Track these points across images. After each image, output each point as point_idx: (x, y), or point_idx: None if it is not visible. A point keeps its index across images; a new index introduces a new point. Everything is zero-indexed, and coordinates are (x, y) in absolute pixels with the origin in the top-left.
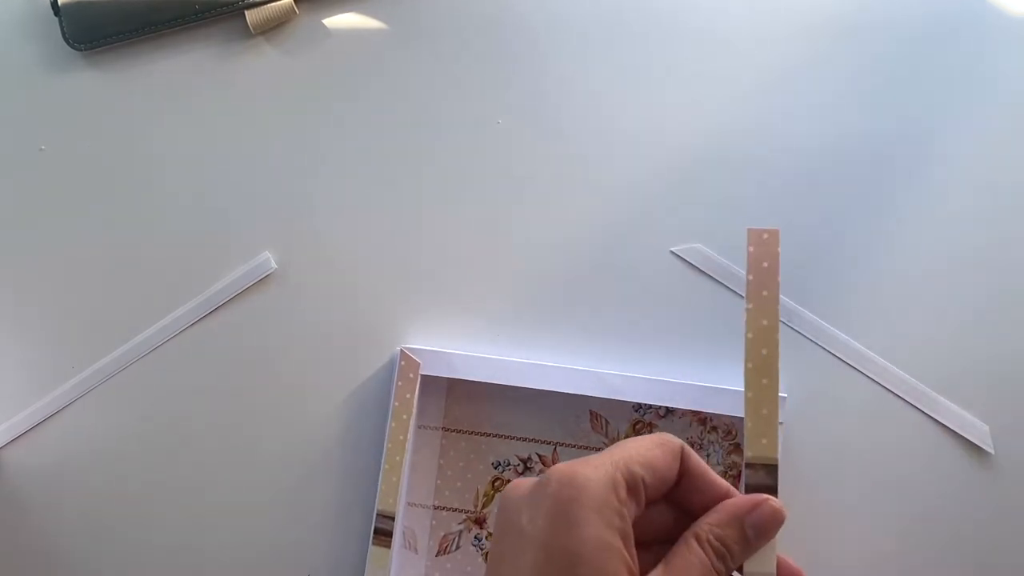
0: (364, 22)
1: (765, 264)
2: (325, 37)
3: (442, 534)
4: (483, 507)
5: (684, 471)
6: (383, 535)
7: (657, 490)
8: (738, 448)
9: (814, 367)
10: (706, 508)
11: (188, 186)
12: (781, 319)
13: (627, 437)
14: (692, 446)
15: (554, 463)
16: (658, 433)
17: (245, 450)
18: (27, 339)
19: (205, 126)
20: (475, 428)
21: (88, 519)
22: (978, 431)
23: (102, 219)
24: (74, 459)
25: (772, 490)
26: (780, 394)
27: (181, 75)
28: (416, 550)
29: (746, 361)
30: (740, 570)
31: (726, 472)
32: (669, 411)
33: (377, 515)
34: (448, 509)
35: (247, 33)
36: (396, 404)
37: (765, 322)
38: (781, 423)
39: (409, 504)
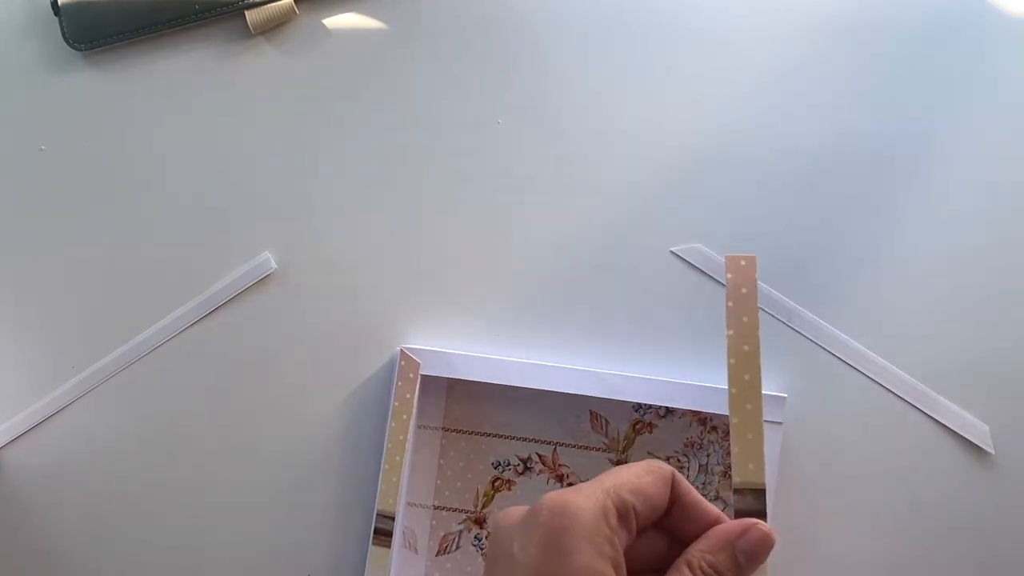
0: (364, 22)
1: (744, 290)
2: (325, 37)
3: (442, 534)
4: (483, 507)
5: (675, 498)
6: (383, 535)
7: (648, 518)
8: None
9: (814, 367)
10: (697, 535)
11: (188, 186)
12: (781, 319)
13: (627, 437)
14: (692, 446)
15: (554, 463)
16: (648, 460)
17: (245, 450)
18: (27, 339)
19: (205, 126)
20: (475, 428)
21: (88, 519)
22: (978, 431)
23: (102, 219)
24: (74, 459)
25: (761, 514)
26: (780, 394)
27: (181, 75)
28: (416, 550)
29: (730, 387)
30: None
31: (726, 472)
32: (669, 411)
33: (377, 515)
34: (448, 509)
35: (247, 33)
36: (396, 404)
37: (746, 348)
38: (780, 423)
39: (409, 504)
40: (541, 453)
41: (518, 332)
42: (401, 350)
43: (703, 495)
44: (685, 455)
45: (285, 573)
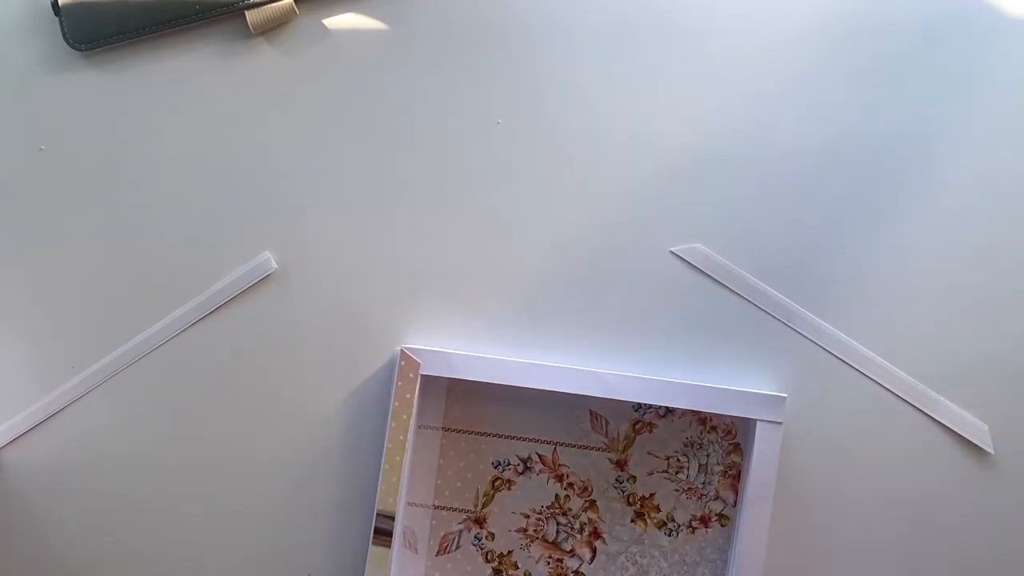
0: (364, 22)
1: None
2: (325, 37)
3: (442, 534)
4: (483, 507)
5: None
6: (383, 535)
7: None
8: (738, 448)
9: (814, 367)
10: None
11: (188, 186)
12: (781, 319)
13: (627, 437)
14: (692, 446)
15: (554, 463)
16: None
17: (245, 450)
18: (28, 339)
19: (205, 126)
20: (475, 428)
21: (88, 518)
22: (978, 431)
23: (102, 219)
24: (74, 459)
25: None
26: (780, 394)
27: (181, 75)
28: (416, 550)
29: None
30: None
31: (726, 472)
32: (669, 411)
33: (377, 515)
34: (448, 509)
35: (247, 33)
36: (396, 404)
37: None
38: (780, 423)
39: (409, 504)
40: (541, 453)
41: (518, 332)
42: (401, 350)
43: (703, 495)
44: (685, 455)
45: (285, 573)
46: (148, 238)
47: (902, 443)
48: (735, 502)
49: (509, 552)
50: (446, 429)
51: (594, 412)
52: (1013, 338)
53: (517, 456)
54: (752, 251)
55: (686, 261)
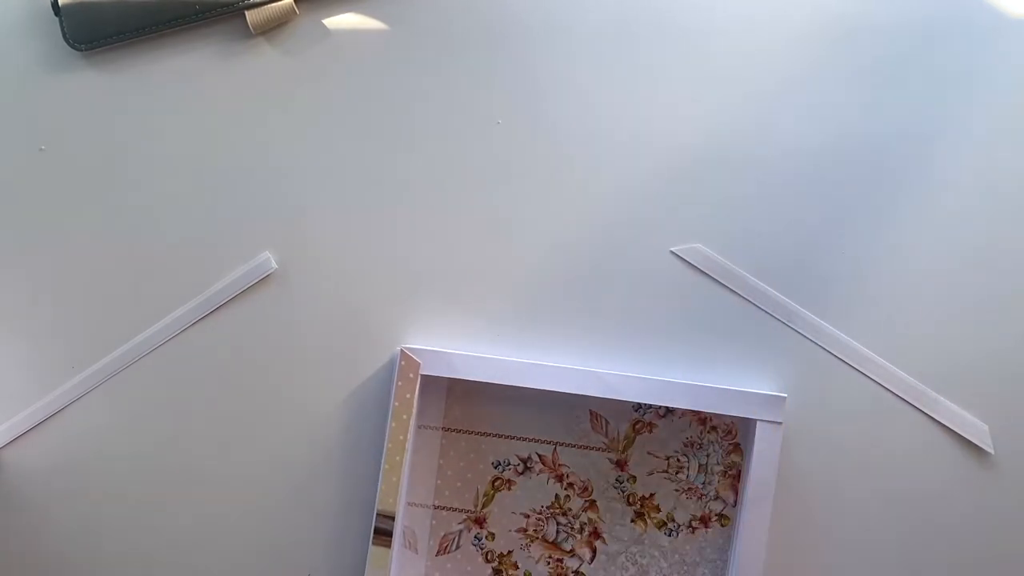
0: (364, 22)
1: None
2: (325, 37)
3: (442, 534)
4: (483, 507)
5: None
6: (383, 535)
7: None
8: (738, 448)
9: (814, 367)
10: None
11: (188, 186)
12: (781, 319)
13: (627, 437)
14: (692, 446)
15: (554, 463)
16: None
17: (245, 450)
18: (28, 339)
19: (205, 126)
20: (475, 428)
21: (88, 518)
22: (978, 431)
23: (102, 219)
24: (74, 459)
25: None
26: (780, 394)
27: (181, 75)
28: (416, 550)
29: None
30: None
31: (725, 472)
32: (669, 411)
33: (377, 515)
34: (448, 509)
35: (247, 33)
36: (396, 404)
37: None
38: (780, 423)
39: (409, 504)
40: (541, 453)
41: (518, 332)
42: (401, 350)
43: (703, 495)
44: (685, 455)
45: (285, 573)
46: (148, 238)
47: (902, 443)
48: (735, 502)
49: (509, 552)
50: (446, 429)
51: (594, 412)
52: (1013, 338)
53: (517, 456)
54: (752, 251)
55: (686, 261)
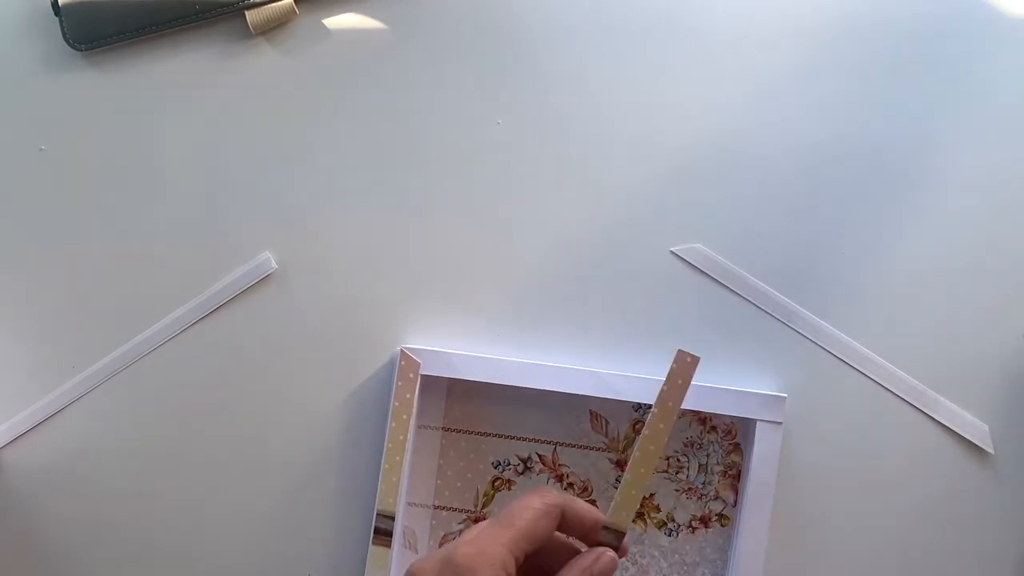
0: (364, 22)
1: (679, 381)
2: (325, 37)
3: (442, 534)
4: (483, 507)
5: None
6: (383, 535)
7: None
8: (738, 448)
9: (814, 367)
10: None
11: (188, 186)
12: (781, 319)
13: (627, 437)
14: (692, 446)
15: (554, 463)
16: (541, 493)
17: (245, 450)
18: (27, 339)
19: (205, 126)
20: (475, 428)
21: (88, 519)
22: (978, 431)
23: (102, 219)
24: (74, 459)
25: (616, 550)
26: (780, 394)
27: (181, 75)
28: (416, 550)
29: (635, 449)
30: None
31: (725, 472)
32: None
33: (377, 515)
34: (448, 509)
35: (247, 33)
36: (396, 404)
37: (661, 426)
38: (780, 423)
39: (409, 504)
40: (541, 453)
41: (518, 332)
42: (401, 350)
43: (703, 494)
44: (685, 455)
45: (285, 573)
46: (148, 238)
47: (902, 443)
48: (735, 502)
49: None
50: (446, 429)
51: (594, 412)
52: (1013, 338)
53: (517, 456)
54: (752, 251)
55: (686, 261)
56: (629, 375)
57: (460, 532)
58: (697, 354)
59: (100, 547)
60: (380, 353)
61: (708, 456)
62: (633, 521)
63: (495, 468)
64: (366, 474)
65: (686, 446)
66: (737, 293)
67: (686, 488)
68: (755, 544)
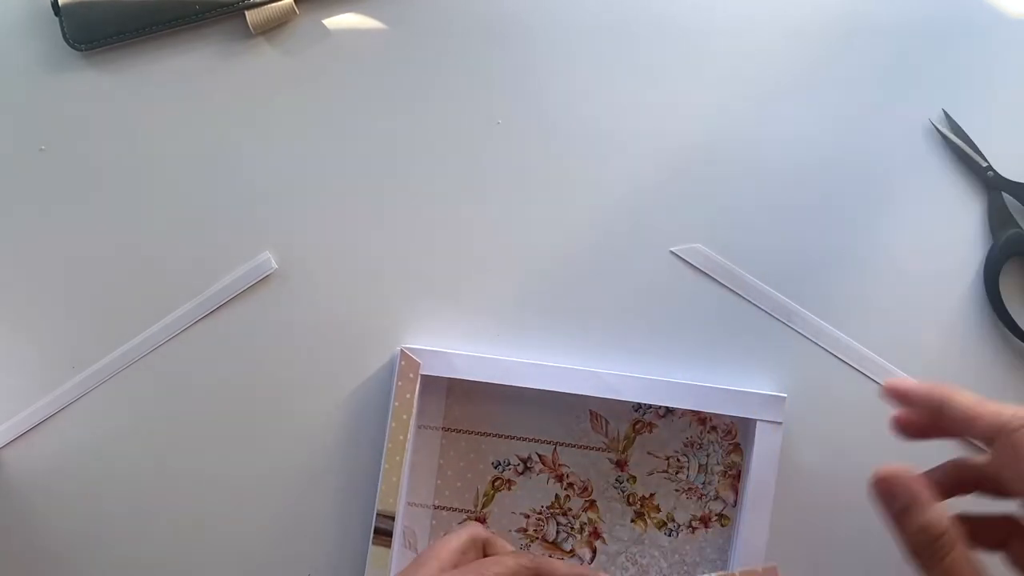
0: (364, 22)
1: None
2: (325, 37)
3: (442, 534)
4: (483, 507)
5: None
6: (383, 535)
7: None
8: (738, 448)
9: (814, 367)
10: None
11: (188, 186)
12: (781, 319)
13: (627, 437)
14: (692, 446)
15: (554, 463)
16: (457, 532)
17: (245, 450)
18: (27, 339)
19: (205, 126)
20: (475, 428)
21: (88, 519)
22: None
23: (102, 219)
24: (74, 459)
25: None
26: (780, 394)
27: (181, 75)
28: (416, 550)
29: None
30: None
31: (725, 472)
32: (669, 411)
33: (377, 515)
34: (448, 509)
35: (247, 33)
36: (396, 404)
37: None
38: (780, 423)
39: (409, 504)
40: (541, 453)
41: (518, 332)
42: (401, 350)
43: (703, 495)
44: (685, 455)
45: (285, 573)
46: (148, 238)
47: (902, 443)
48: (735, 502)
49: None
50: (446, 429)
51: (594, 412)
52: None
53: (517, 456)
54: (752, 251)
55: (686, 261)
56: (629, 375)
57: None
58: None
59: (100, 547)
60: (380, 353)
61: (708, 456)
62: (632, 521)
63: (495, 468)
64: (366, 474)
65: (686, 446)
66: (737, 293)
67: (686, 488)
68: (755, 544)
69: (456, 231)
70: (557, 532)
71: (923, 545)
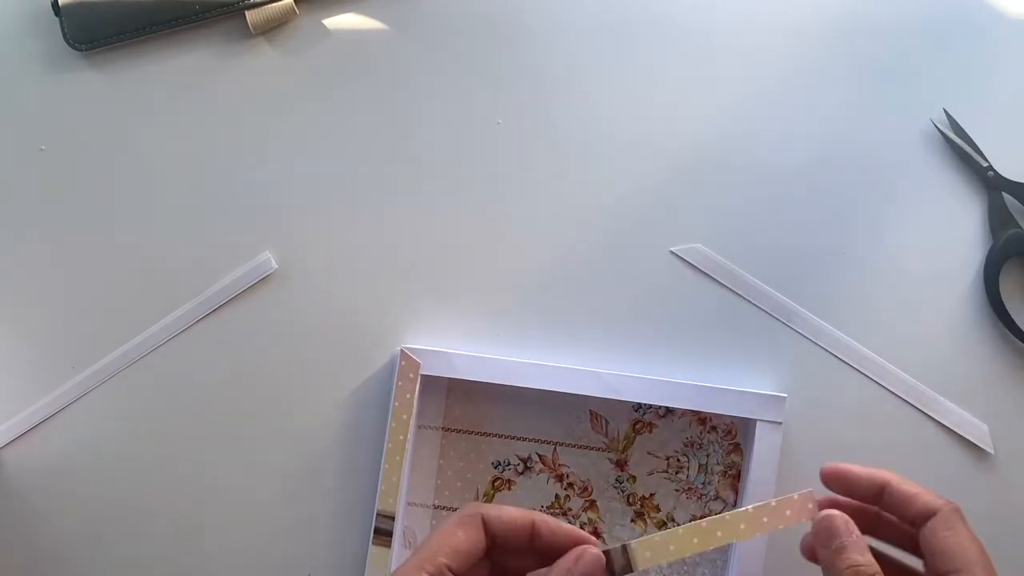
0: (364, 22)
1: (788, 512)
2: (325, 37)
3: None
4: None
5: (534, 532)
6: (383, 535)
7: (467, 563)
8: (738, 448)
9: (814, 367)
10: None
11: (188, 186)
12: (781, 319)
13: (627, 437)
14: (692, 446)
15: (554, 463)
16: (460, 512)
17: (245, 450)
18: (27, 339)
19: (205, 126)
20: (475, 428)
21: (88, 519)
22: (978, 431)
23: (102, 219)
24: (74, 459)
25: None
26: (780, 394)
27: (181, 75)
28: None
29: (706, 520)
30: None
31: (725, 472)
32: (669, 411)
33: (377, 515)
34: (448, 509)
35: (247, 33)
36: (396, 404)
37: (742, 526)
38: (780, 423)
39: (409, 504)
40: (541, 453)
41: (518, 332)
42: (401, 350)
43: (703, 495)
44: (685, 455)
45: (285, 573)
46: (148, 238)
47: (902, 443)
48: (735, 502)
49: None
50: (446, 429)
51: (594, 412)
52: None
53: (517, 456)
54: (752, 251)
55: (686, 261)
56: (629, 375)
57: None
58: (817, 505)
59: (100, 546)
60: (380, 353)
61: (708, 456)
62: (632, 521)
63: (495, 468)
64: (366, 474)
65: (686, 446)
66: (737, 293)
67: (686, 488)
68: (755, 544)
69: (456, 231)
70: None
71: None
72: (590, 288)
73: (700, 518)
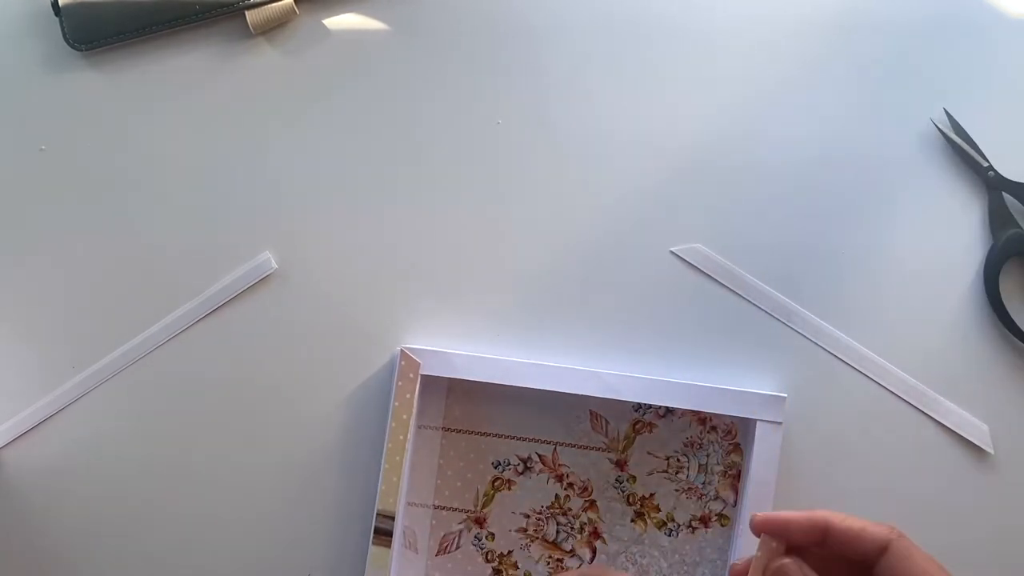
0: (364, 22)
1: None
2: (325, 37)
3: (442, 534)
4: (483, 507)
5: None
6: (383, 535)
7: None
8: (738, 448)
9: (814, 367)
10: None
11: (188, 186)
12: (781, 319)
13: (627, 437)
14: (692, 446)
15: (554, 463)
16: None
17: (245, 450)
18: (27, 339)
19: (205, 126)
20: (475, 428)
21: (88, 519)
22: (978, 431)
23: (102, 219)
24: (74, 459)
25: None
26: (780, 394)
27: (181, 75)
28: (416, 550)
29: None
30: None
31: (726, 472)
32: (669, 411)
33: (377, 515)
34: (448, 509)
35: (247, 33)
36: (396, 404)
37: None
38: (780, 423)
39: (409, 504)
40: (541, 453)
41: (518, 332)
42: (401, 350)
43: (703, 495)
44: (685, 455)
45: (285, 573)
46: (148, 238)
47: (902, 443)
48: (735, 502)
49: (509, 552)
50: (446, 429)
51: (594, 412)
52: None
53: (517, 456)
54: (752, 251)
55: (686, 261)
56: (629, 375)
57: (460, 532)
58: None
59: (100, 547)
60: (380, 353)
61: (708, 456)
62: (632, 521)
63: (495, 468)
64: (366, 474)
65: (686, 446)
66: (737, 293)
67: (686, 488)
68: (755, 544)
69: (456, 231)
70: (557, 532)
71: None
72: (590, 288)
73: (700, 518)
